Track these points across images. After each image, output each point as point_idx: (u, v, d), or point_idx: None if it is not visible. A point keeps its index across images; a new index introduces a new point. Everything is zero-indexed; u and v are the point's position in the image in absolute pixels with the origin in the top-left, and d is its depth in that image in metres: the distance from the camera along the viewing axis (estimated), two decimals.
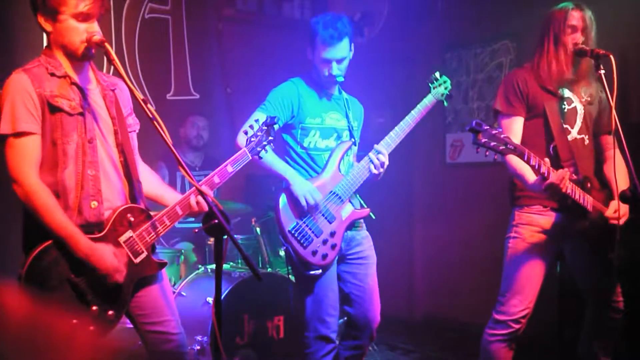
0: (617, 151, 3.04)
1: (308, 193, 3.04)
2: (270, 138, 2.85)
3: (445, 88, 3.46)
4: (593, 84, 3.15)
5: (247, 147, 2.79)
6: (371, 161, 3.16)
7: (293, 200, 3.07)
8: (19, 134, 2.33)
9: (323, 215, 3.11)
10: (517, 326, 3.05)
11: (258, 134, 2.84)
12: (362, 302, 3.24)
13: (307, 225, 3.08)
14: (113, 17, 4.90)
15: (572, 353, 3.37)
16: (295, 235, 3.05)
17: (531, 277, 3.05)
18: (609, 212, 2.99)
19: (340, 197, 3.15)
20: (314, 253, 3.05)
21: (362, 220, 3.32)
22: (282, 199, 3.09)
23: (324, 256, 3.07)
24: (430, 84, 3.44)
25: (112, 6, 4.76)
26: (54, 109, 2.38)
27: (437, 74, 3.47)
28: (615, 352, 3.18)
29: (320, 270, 3.09)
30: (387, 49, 5.90)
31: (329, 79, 3.21)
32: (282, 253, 4.26)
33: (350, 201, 3.21)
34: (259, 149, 2.83)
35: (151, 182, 2.72)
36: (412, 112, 3.32)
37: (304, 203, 3.04)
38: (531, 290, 3.05)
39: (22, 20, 4.06)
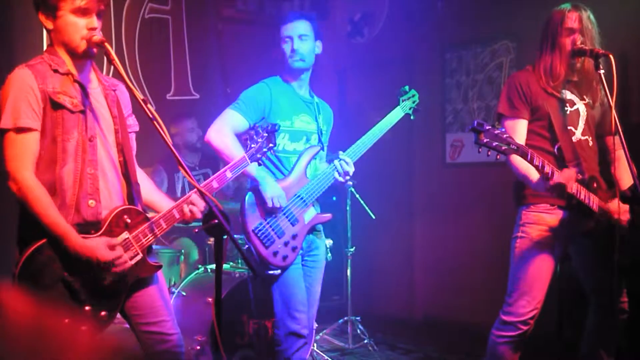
0: (621, 152, 3.03)
1: (276, 195, 3.09)
2: (270, 145, 2.87)
3: (414, 102, 3.56)
4: (596, 85, 3.14)
5: (247, 153, 2.81)
6: (336, 169, 3.23)
7: (260, 200, 3.11)
8: (19, 130, 2.33)
9: (287, 217, 3.16)
10: (525, 327, 3.02)
11: (258, 140, 2.84)
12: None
13: (270, 226, 3.12)
14: (113, 17, 4.90)
15: (573, 353, 3.37)
16: (258, 235, 3.09)
17: (539, 277, 3.03)
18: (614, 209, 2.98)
19: (304, 201, 3.21)
20: (275, 254, 3.10)
21: (321, 226, 3.38)
22: (249, 198, 3.13)
23: (285, 257, 3.13)
24: (399, 97, 3.53)
25: (112, 6, 4.77)
26: (56, 106, 2.38)
27: (407, 88, 3.57)
28: (617, 352, 3.17)
29: (279, 271, 3.15)
30: (387, 49, 5.90)
31: (292, 56, 3.27)
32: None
33: (313, 205, 3.28)
34: (259, 155, 2.84)
35: (145, 187, 2.71)
36: (380, 124, 3.40)
37: (270, 204, 3.08)
38: (539, 290, 3.03)
39: (22, 20, 4.07)
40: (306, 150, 3.28)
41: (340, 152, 3.26)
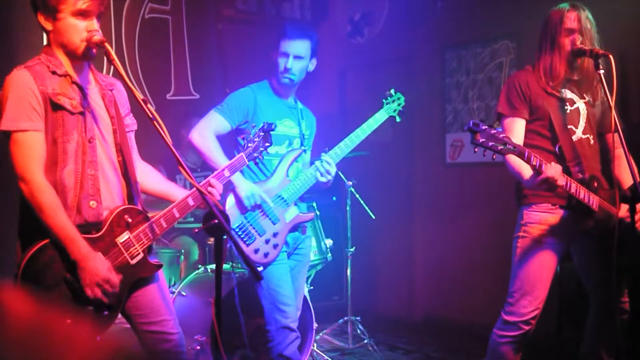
0: (621, 150, 3.03)
1: (252, 194, 3.20)
2: (267, 144, 2.96)
3: (399, 104, 3.58)
4: (596, 84, 3.14)
5: (244, 152, 2.88)
6: (317, 169, 3.32)
7: (239, 201, 3.23)
8: (23, 131, 2.32)
9: (267, 216, 3.28)
10: (527, 327, 3.03)
11: (255, 139, 2.91)
12: None
13: (251, 225, 3.24)
14: (113, 17, 4.89)
15: (572, 353, 3.37)
16: (239, 233, 3.21)
17: (541, 277, 3.03)
18: (622, 213, 2.97)
19: (285, 201, 3.32)
20: (256, 251, 3.23)
21: (306, 225, 3.49)
22: (230, 200, 3.26)
23: (266, 254, 3.25)
24: (383, 100, 3.56)
25: (112, 6, 4.77)
26: (56, 107, 2.38)
27: (392, 91, 3.60)
28: (617, 352, 3.17)
29: (261, 267, 3.24)
30: (387, 49, 5.90)
31: (283, 73, 3.36)
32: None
33: (296, 205, 3.38)
34: (255, 154, 2.92)
35: (154, 179, 2.74)
36: (363, 125, 3.46)
37: (246, 203, 3.20)
38: (541, 290, 3.03)
39: (23, 20, 4.07)
40: (288, 153, 3.39)
41: (323, 154, 3.36)
